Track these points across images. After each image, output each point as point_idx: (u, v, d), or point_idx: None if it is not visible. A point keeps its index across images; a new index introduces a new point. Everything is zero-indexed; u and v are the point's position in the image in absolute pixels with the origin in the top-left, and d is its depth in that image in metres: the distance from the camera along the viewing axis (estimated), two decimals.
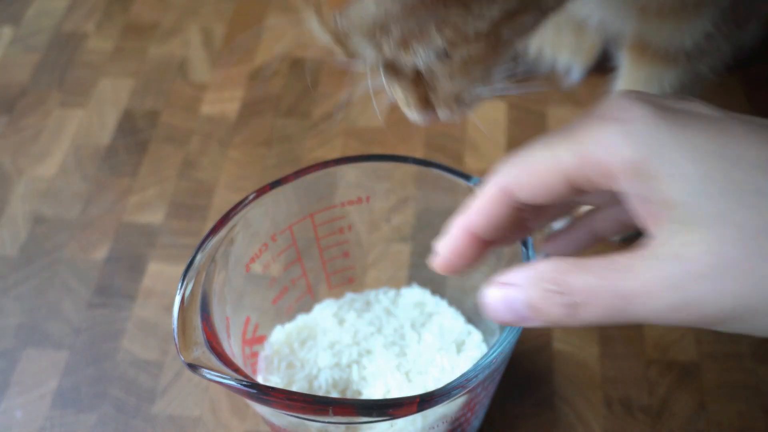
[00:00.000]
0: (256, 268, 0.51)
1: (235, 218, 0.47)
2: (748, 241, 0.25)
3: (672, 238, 0.26)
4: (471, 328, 0.54)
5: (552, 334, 0.59)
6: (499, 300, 0.30)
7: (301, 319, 0.55)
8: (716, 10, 0.49)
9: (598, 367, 0.57)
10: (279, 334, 0.54)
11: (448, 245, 0.33)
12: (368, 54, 0.37)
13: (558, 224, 0.39)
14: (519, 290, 0.29)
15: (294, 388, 0.51)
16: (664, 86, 0.56)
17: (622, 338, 0.58)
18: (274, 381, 0.51)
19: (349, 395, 0.51)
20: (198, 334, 0.41)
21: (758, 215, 0.25)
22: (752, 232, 0.24)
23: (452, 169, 0.48)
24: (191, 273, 0.43)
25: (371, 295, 0.56)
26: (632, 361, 0.57)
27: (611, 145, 0.27)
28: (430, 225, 0.49)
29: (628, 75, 0.59)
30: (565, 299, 0.28)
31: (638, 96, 0.28)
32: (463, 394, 0.42)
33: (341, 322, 0.54)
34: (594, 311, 0.27)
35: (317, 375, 0.52)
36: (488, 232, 0.33)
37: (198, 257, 0.44)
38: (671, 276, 0.26)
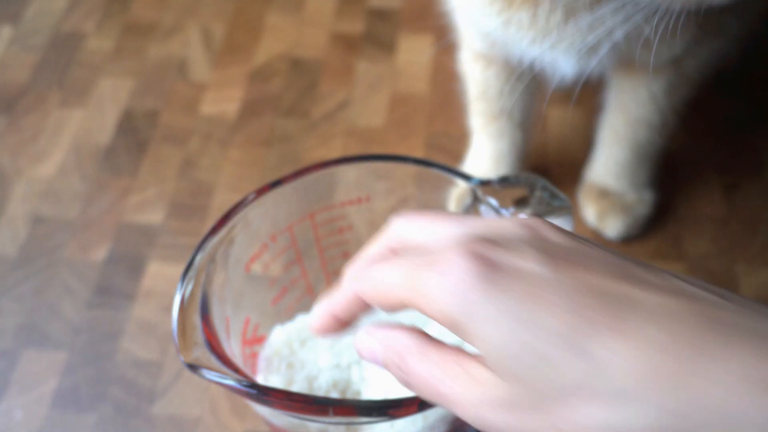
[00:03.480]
0: (256, 268, 0.51)
1: (235, 218, 0.47)
2: (528, 394, 0.27)
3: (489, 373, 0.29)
4: None
5: None
6: (363, 343, 0.34)
7: (301, 319, 0.55)
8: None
9: None
10: (279, 334, 0.54)
11: (318, 321, 0.37)
12: None
13: None
14: (377, 345, 0.33)
15: (294, 389, 0.51)
16: (652, 91, 0.57)
17: None
18: (274, 381, 0.51)
19: (349, 395, 0.51)
20: (198, 334, 0.41)
21: (535, 379, 0.26)
22: (530, 391, 0.27)
23: (452, 169, 0.48)
24: (191, 273, 0.43)
25: None
26: None
27: (433, 297, 0.29)
28: None
29: (617, 85, 0.59)
30: (402, 376, 0.31)
31: (471, 250, 0.29)
32: None
33: None
34: (422, 394, 0.31)
35: (317, 375, 0.52)
36: (349, 317, 0.36)
37: (198, 257, 0.44)
38: (473, 401, 0.29)
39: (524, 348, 0.27)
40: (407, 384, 0.32)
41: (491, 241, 0.29)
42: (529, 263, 0.28)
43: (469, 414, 0.29)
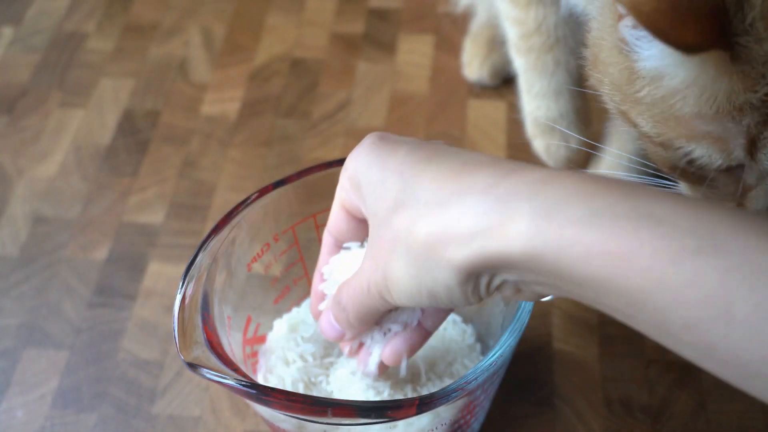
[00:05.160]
0: (258, 267, 0.51)
1: (237, 218, 0.47)
2: (378, 221, 0.39)
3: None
4: (466, 327, 0.54)
5: (552, 334, 0.59)
6: (324, 321, 0.45)
7: (303, 311, 0.55)
8: None
9: (598, 367, 0.57)
10: (280, 326, 0.54)
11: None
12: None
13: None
14: (327, 311, 0.45)
15: (296, 386, 0.51)
16: None
17: (622, 338, 0.58)
18: (275, 378, 0.51)
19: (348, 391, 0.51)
20: (198, 333, 0.41)
21: (379, 203, 0.38)
22: (378, 216, 0.39)
23: None
24: (192, 272, 0.43)
25: None
26: (632, 361, 0.57)
27: (346, 167, 0.41)
28: None
29: None
30: (344, 314, 0.42)
31: (375, 136, 0.41)
32: (463, 397, 0.42)
33: None
34: (351, 307, 0.42)
35: (320, 367, 0.52)
36: (340, 234, 0.46)
37: (199, 257, 0.44)
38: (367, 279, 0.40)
39: (375, 177, 0.39)
40: (347, 317, 0.42)
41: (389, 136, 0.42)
42: (402, 144, 0.40)
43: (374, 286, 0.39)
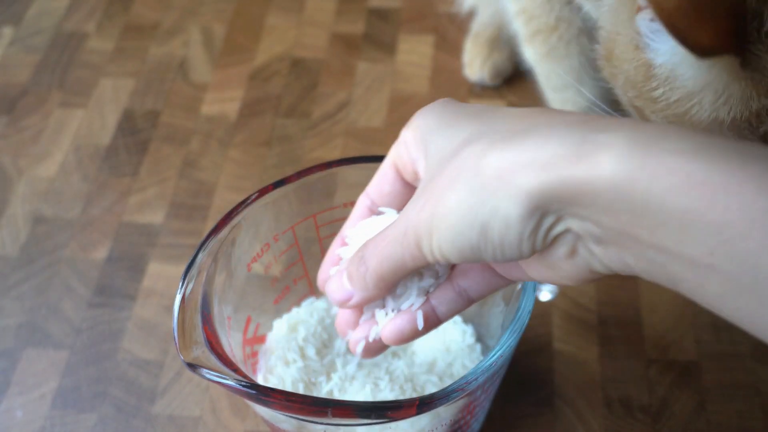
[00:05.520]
0: (258, 267, 0.51)
1: (237, 218, 0.47)
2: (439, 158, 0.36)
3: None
4: (466, 327, 0.54)
5: (552, 334, 0.59)
6: (333, 281, 0.40)
7: (303, 311, 0.55)
8: None
9: (598, 367, 0.57)
10: (280, 326, 0.54)
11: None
12: None
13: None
14: (340, 271, 0.40)
15: (296, 386, 0.51)
16: None
17: (622, 338, 0.58)
18: (275, 378, 0.51)
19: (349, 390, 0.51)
20: (198, 333, 0.41)
21: (444, 143, 0.36)
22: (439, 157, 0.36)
23: None
24: (192, 272, 0.43)
25: None
26: (632, 361, 0.57)
27: (412, 121, 0.39)
28: None
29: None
30: (363, 268, 0.38)
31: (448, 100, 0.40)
32: (463, 397, 0.42)
33: None
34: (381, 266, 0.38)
35: (320, 367, 0.52)
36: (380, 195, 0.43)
37: (199, 257, 0.44)
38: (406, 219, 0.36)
39: (448, 122, 0.37)
40: (364, 273, 0.38)
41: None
42: (469, 105, 0.38)
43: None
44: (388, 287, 0.39)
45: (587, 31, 0.59)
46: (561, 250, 0.33)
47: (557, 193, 0.31)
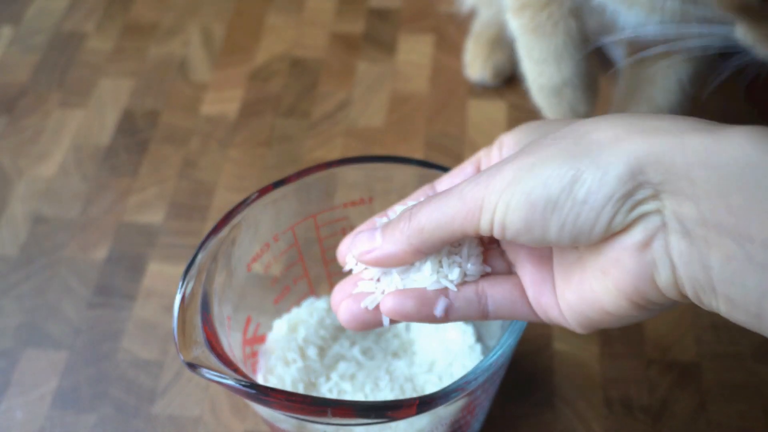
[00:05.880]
0: (258, 267, 0.51)
1: (237, 218, 0.47)
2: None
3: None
4: (466, 327, 0.54)
5: (552, 333, 0.59)
6: (361, 235, 0.38)
7: (303, 311, 0.55)
8: None
9: (598, 367, 0.57)
10: (280, 326, 0.54)
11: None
12: None
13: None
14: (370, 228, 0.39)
15: (296, 386, 0.51)
16: (681, 78, 0.56)
17: (622, 338, 0.58)
18: (275, 378, 0.51)
19: (352, 390, 0.51)
20: (198, 333, 0.41)
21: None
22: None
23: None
24: (192, 272, 0.43)
25: None
26: (632, 361, 0.57)
27: (502, 137, 0.40)
28: None
29: (642, 74, 0.58)
30: (411, 225, 0.36)
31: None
32: (463, 397, 0.42)
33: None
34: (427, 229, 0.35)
35: (320, 367, 0.52)
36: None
37: (199, 256, 0.44)
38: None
39: (542, 131, 0.37)
40: (404, 227, 0.36)
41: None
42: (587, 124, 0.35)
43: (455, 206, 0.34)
44: (420, 249, 0.36)
45: (576, 11, 0.58)
46: (636, 237, 0.30)
47: (670, 158, 0.29)
